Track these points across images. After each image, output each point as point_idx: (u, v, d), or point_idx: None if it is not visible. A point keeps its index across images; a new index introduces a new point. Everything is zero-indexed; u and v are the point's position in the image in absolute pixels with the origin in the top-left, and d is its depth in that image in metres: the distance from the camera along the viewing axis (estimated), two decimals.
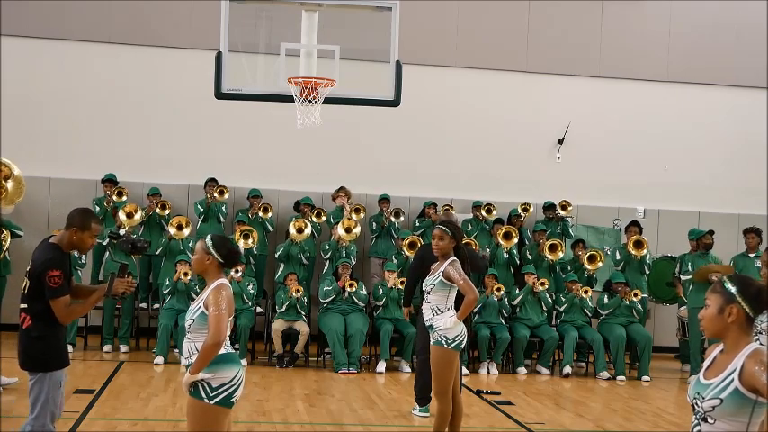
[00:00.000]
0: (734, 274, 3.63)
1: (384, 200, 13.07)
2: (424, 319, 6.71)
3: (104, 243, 11.81)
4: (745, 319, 3.40)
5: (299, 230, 11.98)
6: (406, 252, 11.79)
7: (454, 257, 6.56)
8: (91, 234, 5.29)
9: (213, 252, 4.82)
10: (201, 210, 12.59)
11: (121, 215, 11.69)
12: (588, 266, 12.22)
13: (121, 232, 11.66)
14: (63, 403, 5.47)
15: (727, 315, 3.42)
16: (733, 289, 3.43)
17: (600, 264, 12.28)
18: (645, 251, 12.15)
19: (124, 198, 12.26)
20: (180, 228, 11.77)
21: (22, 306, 5.23)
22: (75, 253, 10.73)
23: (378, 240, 13.00)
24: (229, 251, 4.88)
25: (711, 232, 11.96)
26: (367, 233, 13.02)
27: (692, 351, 11.44)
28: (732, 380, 3.33)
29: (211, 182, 12.71)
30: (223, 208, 12.64)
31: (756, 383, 3.26)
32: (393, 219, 12.82)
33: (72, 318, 5.18)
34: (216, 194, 12.51)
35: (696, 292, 11.22)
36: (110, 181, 12.49)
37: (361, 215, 12.76)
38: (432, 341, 6.61)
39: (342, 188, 12.95)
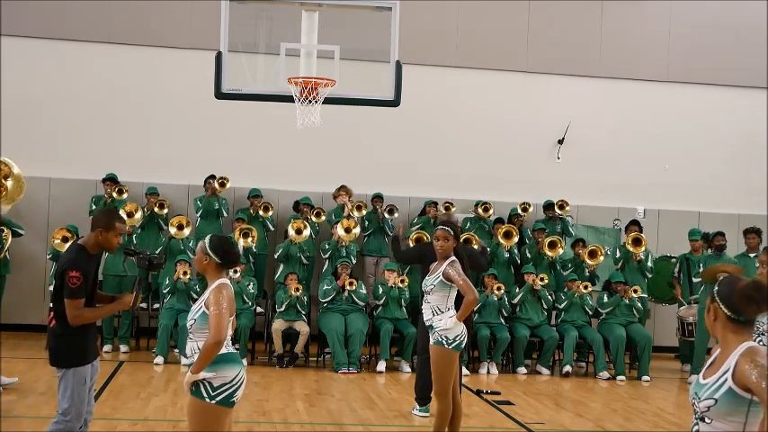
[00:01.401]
0: (730, 275, 3.61)
1: (377, 198, 13.07)
2: (424, 319, 6.71)
3: None
4: (727, 319, 3.40)
5: (298, 231, 11.97)
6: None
7: (454, 258, 6.56)
8: (116, 233, 5.41)
9: (210, 253, 4.83)
10: (200, 205, 12.57)
11: (122, 214, 11.65)
12: (589, 261, 12.21)
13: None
14: (92, 404, 5.54)
15: (711, 314, 3.45)
16: (714, 288, 3.46)
17: (601, 258, 12.28)
18: (643, 248, 12.15)
19: (125, 196, 12.25)
20: (180, 227, 11.76)
21: (51, 305, 5.42)
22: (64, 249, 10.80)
23: (370, 238, 12.99)
24: (226, 252, 4.89)
25: (722, 234, 11.92)
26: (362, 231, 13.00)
27: (697, 351, 11.40)
28: (726, 379, 3.33)
29: (211, 179, 12.71)
30: (224, 203, 12.61)
31: (748, 382, 3.25)
32: (387, 215, 12.81)
33: (81, 321, 5.24)
34: (217, 185, 12.49)
35: (705, 292, 11.20)
36: (111, 180, 12.49)
37: (363, 212, 12.76)
38: (432, 341, 6.61)
39: (343, 187, 12.95)
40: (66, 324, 5.22)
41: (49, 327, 5.37)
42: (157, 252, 11.87)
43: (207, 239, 4.92)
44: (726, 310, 3.39)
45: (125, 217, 11.52)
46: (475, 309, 11.31)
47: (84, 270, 5.25)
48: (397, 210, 12.96)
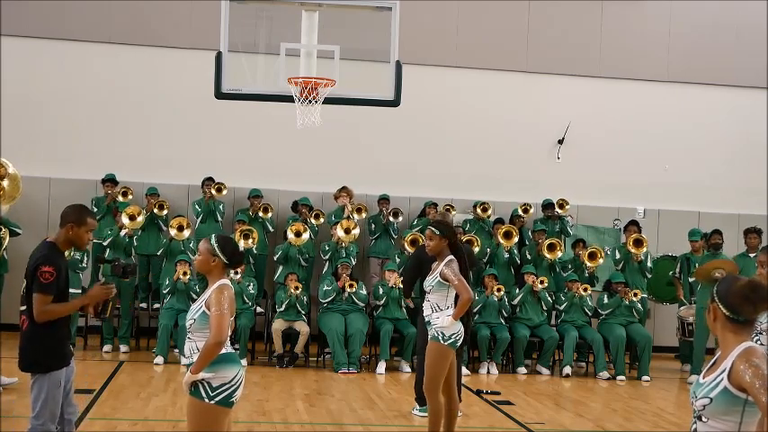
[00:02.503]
0: (729, 275, 3.62)
1: (383, 200, 13.08)
2: (424, 315, 6.76)
3: (104, 244, 11.79)
4: (726, 319, 3.41)
5: (297, 234, 11.95)
6: (408, 249, 11.75)
7: (452, 257, 6.57)
8: (87, 229, 5.25)
9: (219, 253, 4.81)
10: (200, 209, 12.59)
11: (124, 218, 11.66)
12: (588, 264, 12.22)
13: (122, 233, 11.68)
14: (74, 404, 5.47)
15: (711, 314, 3.47)
16: (714, 288, 3.47)
17: (600, 261, 12.28)
18: (645, 249, 12.15)
19: (130, 197, 12.24)
20: (180, 229, 11.75)
21: (21, 308, 5.21)
22: (76, 255, 10.78)
23: (377, 240, 13.00)
24: (234, 252, 4.88)
25: (718, 232, 11.90)
26: (367, 233, 13.01)
27: (696, 351, 11.41)
28: (722, 379, 3.35)
29: (209, 181, 12.72)
30: (221, 207, 12.63)
31: (742, 382, 3.27)
32: (392, 218, 12.83)
33: (47, 316, 5.04)
34: (214, 191, 12.51)
35: (703, 291, 11.22)
36: (110, 181, 12.49)
37: (363, 215, 12.76)
38: (429, 336, 6.64)
39: (344, 188, 12.95)
40: (42, 326, 5.05)
41: (22, 331, 5.15)
42: (158, 253, 11.93)
43: (213, 240, 4.86)
44: (724, 310, 3.40)
45: (127, 220, 11.63)
46: (475, 309, 11.39)
47: (58, 266, 5.08)
48: (402, 213, 12.98)
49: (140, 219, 11.83)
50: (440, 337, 6.55)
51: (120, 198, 12.22)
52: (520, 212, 13.24)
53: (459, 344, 6.62)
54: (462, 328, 6.60)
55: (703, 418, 3.39)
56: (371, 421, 8.22)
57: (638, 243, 12.17)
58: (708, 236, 12.01)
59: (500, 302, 11.64)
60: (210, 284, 4.80)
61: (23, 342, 5.17)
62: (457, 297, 6.61)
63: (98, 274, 12.17)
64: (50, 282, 5.02)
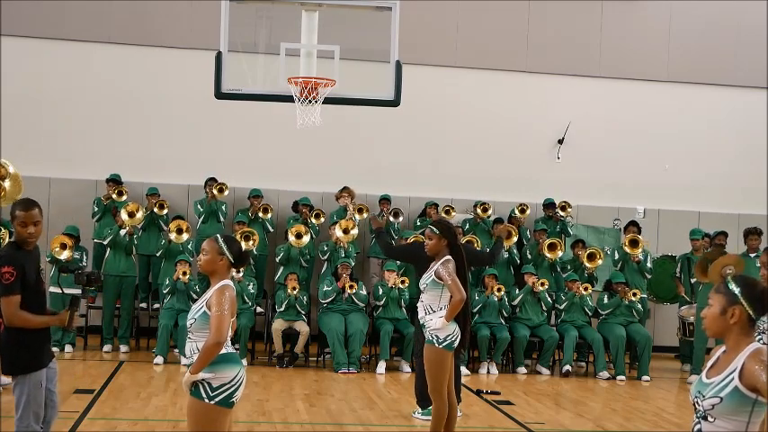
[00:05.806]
0: (739, 275, 3.61)
1: (384, 200, 13.07)
2: (419, 317, 6.73)
3: (105, 243, 11.79)
4: (747, 321, 3.43)
5: (298, 236, 11.94)
6: None
7: (449, 257, 6.51)
8: (18, 222, 5.06)
9: (227, 252, 4.81)
10: (201, 209, 12.59)
11: (123, 215, 11.67)
12: (588, 264, 12.21)
13: (122, 232, 11.68)
14: (57, 402, 5.45)
15: (729, 316, 3.44)
16: (737, 290, 3.44)
17: (599, 262, 12.27)
18: (641, 249, 12.14)
19: (124, 198, 12.23)
20: (179, 232, 11.72)
21: None
22: (63, 256, 10.73)
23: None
24: (240, 251, 4.87)
25: (724, 233, 11.88)
26: (367, 233, 13.01)
27: (696, 351, 11.40)
28: (732, 379, 3.35)
29: (211, 181, 12.72)
30: (223, 207, 12.63)
31: (756, 382, 3.28)
32: (392, 219, 12.82)
33: (18, 322, 4.97)
34: (216, 192, 12.51)
35: (705, 292, 11.18)
36: (112, 181, 12.49)
37: (365, 215, 12.75)
38: (425, 340, 6.63)
39: (345, 188, 12.94)
40: (17, 329, 5.00)
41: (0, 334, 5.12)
42: (158, 254, 11.91)
43: (221, 239, 4.84)
44: (752, 312, 3.41)
45: (126, 216, 11.63)
46: (475, 309, 11.39)
47: (19, 265, 4.98)
48: (402, 213, 12.98)
49: (139, 215, 11.82)
50: (434, 341, 6.48)
51: (115, 197, 12.19)
52: (517, 213, 13.24)
53: (455, 345, 6.54)
54: (458, 329, 6.52)
55: (710, 418, 3.39)
56: (371, 421, 8.22)
57: (634, 243, 12.16)
58: (713, 236, 11.99)
59: (500, 302, 11.64)
60: (213, 284, 4.79)
61: (2, 346, 5.13)
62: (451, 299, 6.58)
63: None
64: (11, 281, 4.92)
